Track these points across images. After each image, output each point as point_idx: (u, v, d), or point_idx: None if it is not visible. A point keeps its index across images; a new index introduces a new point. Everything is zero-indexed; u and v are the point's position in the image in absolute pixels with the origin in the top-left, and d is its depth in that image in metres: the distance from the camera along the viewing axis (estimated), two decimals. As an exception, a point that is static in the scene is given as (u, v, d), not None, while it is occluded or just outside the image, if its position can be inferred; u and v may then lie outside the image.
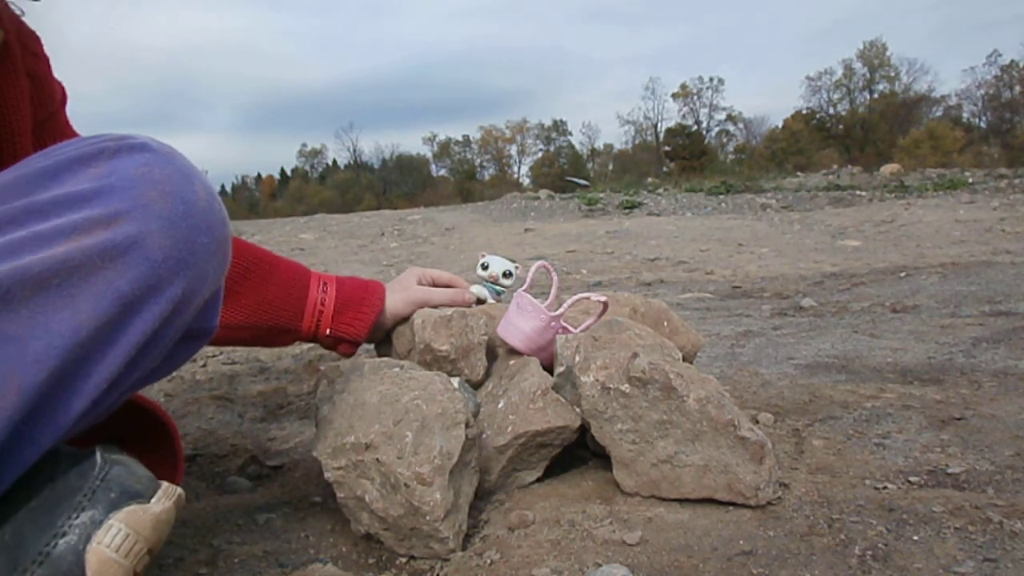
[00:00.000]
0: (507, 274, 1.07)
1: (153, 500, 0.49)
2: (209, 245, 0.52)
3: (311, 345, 1.80)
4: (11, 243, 0.46)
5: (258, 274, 0.91)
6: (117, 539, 0.47)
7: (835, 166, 12.84)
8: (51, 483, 0.48)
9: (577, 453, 0.89)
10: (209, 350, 1.85)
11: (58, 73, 0.79)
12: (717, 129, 43.54)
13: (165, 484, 0.50)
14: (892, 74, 38.92)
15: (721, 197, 8.78)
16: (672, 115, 44.31)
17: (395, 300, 0.99)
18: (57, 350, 0.46)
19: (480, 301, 1.05)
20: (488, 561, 0.67)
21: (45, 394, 0.46)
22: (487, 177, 44.67)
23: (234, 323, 0.89)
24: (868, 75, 39.37)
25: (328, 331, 0.95)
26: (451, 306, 0.98)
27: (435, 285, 1.03)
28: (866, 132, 37.37)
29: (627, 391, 0.77)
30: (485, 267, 1.07)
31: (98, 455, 0.49)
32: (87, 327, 0.47)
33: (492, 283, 1.07)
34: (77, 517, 0.47)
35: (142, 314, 0.50)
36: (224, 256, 0.55)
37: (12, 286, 0.45)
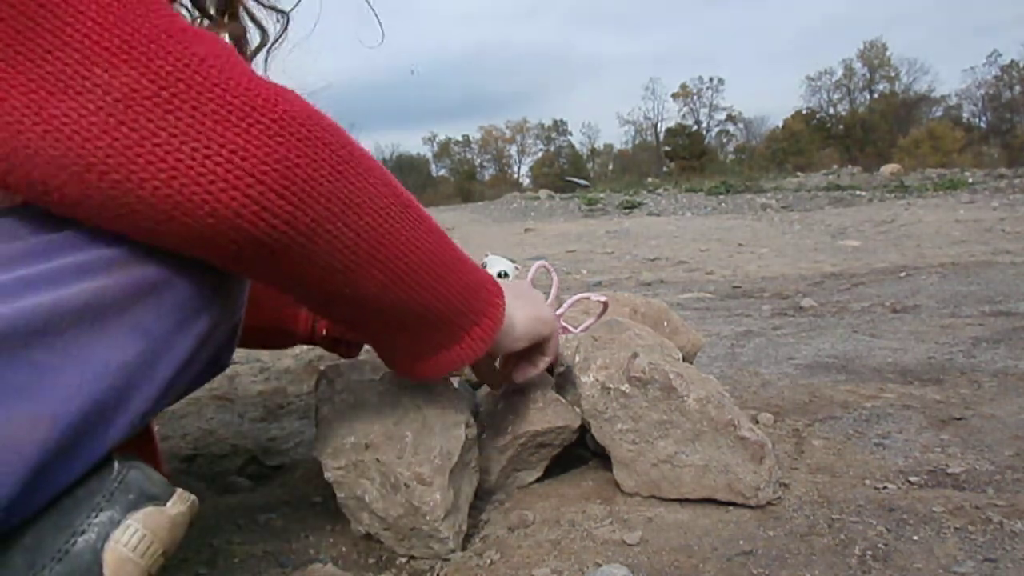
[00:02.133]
0: (502, 274, 1.07)
1: (169, 503, 0.50)
2: (232, 283, 0.54)
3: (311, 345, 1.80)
4: (50, 272, 0.46)
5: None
6: (134, 539, 0.48)
7: (835, 166, 12.84)
8: (70, 489, 0.48)
9: (577, 453, 0.89)
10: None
11: None
12: (717, 129, 43.57)
13: (180, 490, 0.51)
14: (892, 74, 38.95)
15: (721, 197, 8.78)
16: (672, 115, 44.32)
17: None
18: (91, 384, 0.46)
19: None
20: (488, 561, 0.67)
21: (79, 426, 0.46)
22: (487, 177, 44.69)
23: None
24: (868, 75, 39.39)
25: (324, 331, 0.95)
26: None
27: None
28: (866, 132, 37.38)
29: (627, 391, 0.77)
30: (484, 267, 1.07)
31: (115, 460, 0.49)
32: (120, 361, 0.47)
33: None
34: (96, 516, 0.47)
35: (173, 349, 0.50)
36: (243, 289, 0.57)
37: (52, 317, 0.45)
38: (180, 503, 0.50)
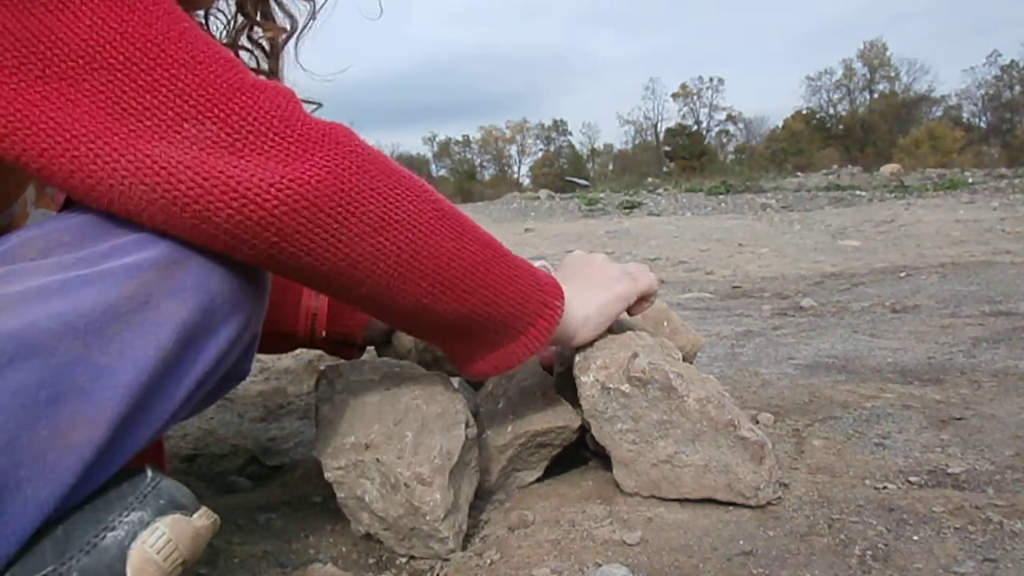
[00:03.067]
0: None
1: (195, 515, 0.52)
2: (258, 291, 0.59)
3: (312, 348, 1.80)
4: (101, 273, 0.50)
5: None
6: (160, 542, 0.49)
7: (835, 166, 12.84)
8: (104, 490, 0.51)
9: (577, 453, 0.89)
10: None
11: None
12: (717, 129, 43.58)
13: (205, 507, 0.53)
14: (892, 74, 38.95)
15: (721, 197, 8.78)
16: (672, 115, 44.33)
17: None
18: (138, 382, 0.50)
19: None
20: (488, 561, 0.67)
21: (123, 425, 0.50)
22: (487, 177, 44.69)
23: None
24: (868, 75, 39.39)
25: (324, 333, 0.95)
26: None
27: None
28: (866, 132, 37.38)
29: (627, 391, 0.77)
30: None
31: (148, 470, 0.52)
32: (159, 361, 0.51)
33: None
34: (127, 516, 0.50)
35: (202, 352, 0.54)
36: (265, 300, 0.61)
37: (101, 317, 0.49)
38: (205, 518, 0.52)
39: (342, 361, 0.87)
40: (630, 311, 0.80)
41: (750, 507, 0.74)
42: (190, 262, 0.53)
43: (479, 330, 0.66)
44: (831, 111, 40.28)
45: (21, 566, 0.48)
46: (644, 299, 0.80)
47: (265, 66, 0.84)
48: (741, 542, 0.67)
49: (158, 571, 0.49)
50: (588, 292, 0.75)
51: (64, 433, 0.47)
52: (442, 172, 46.84)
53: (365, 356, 1.15)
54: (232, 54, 0.56)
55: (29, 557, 0.48)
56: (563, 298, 0.71)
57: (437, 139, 47.45)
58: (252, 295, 0.57)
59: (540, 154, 45.98)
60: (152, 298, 0.51)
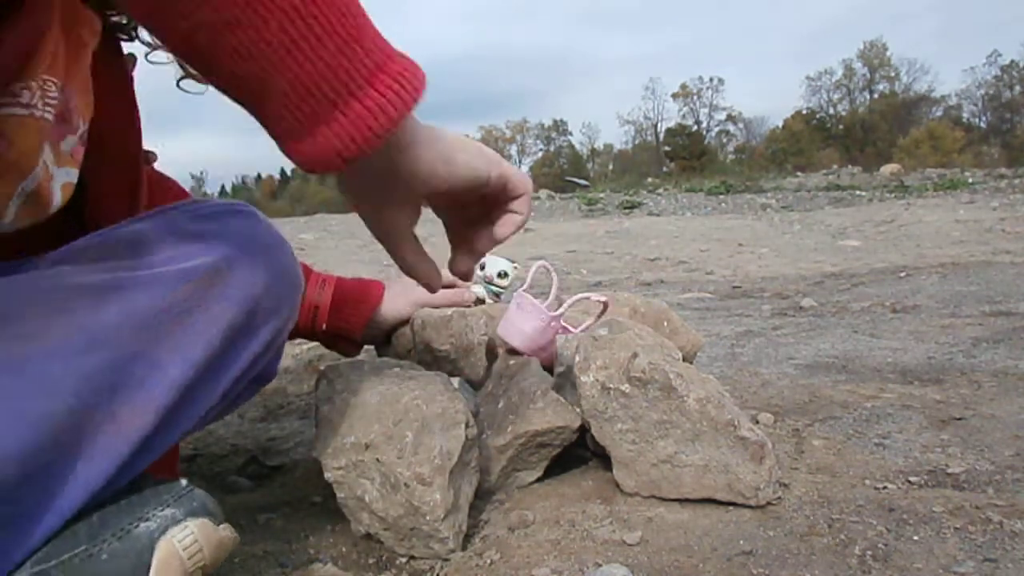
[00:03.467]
0: (502, 274, 1.07)
1: (221, 526, 0.54)
2: (294, 296, 0.61)
3: (311, 345, 1.80)
4: (163, 276, 0.54)
5: None
6: (187, 540, 0.52)
7: (835, 166, 12.84)
8: (140, 488, 0.54)
9: (577, 453, 0.89)
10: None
11: None
12: (717, 129, 43.59)
13: (228, 524, 0.56)
14: (892, 74, 38.96)
15: (721, 197, 8.78)
16: (672, 115, 44.36)
17: (396, 300, 0.99)
18: (185, 377, 0.53)
19: (480, 301, 1.05)
20: (488, 561, 0.67)
21: (169, 415, 0.53)
22: (487, 177, 44.55)
23: None
24: (868, 75, 39.40)
25: (324, 326, 0.96)
26: (452, 306, 0.98)
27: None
28: (866, 132, 37.38)
29: (627, 391, 0.77)
30: (483, 267, 1.07)
31: (183, 480, 0.55)
32: (206, 359, 0.54)
33: (489, 283, 1.07)
34: (161, 511, 0.52)
35: (244, 351, 0.57)
36: (299, 303, 0.63)
37: (159, 317, 0.52)
38: (230, 531, 0.55)
39: (342, 361, 0.87)
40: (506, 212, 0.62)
41: (750, 507, 0.74)
42: (237, 269, 0.56)
43: (290, 94, 0.45)
44: (831, 111, 40.30)
45: (55, 545, 0.50)
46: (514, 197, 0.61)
47: None
48: (741, 542, 0.67)
49: (180, 567, 0.51)
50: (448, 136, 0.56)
51: (118, 419, 0.51)
52: (442, 172, 46.71)
53: (364, 356, 1.15)
54: None
55: (64, 537, 0.51)
56: (415, 71, 0.49)
57: (437, 139, 47.28)
58: (289, 299, 0.60)
59: (540, 154, 46.01)
60: (203, 301, 0.54)
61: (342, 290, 0.98)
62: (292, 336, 0.98)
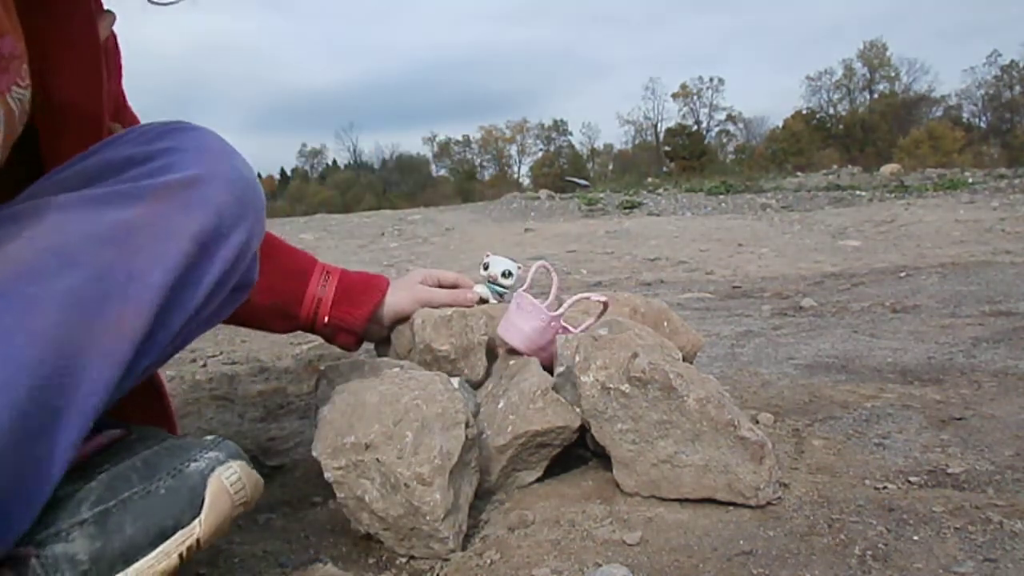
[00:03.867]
0: (507, 274, 1.07)
1: (253, 469, 0.60)
2: (256, 201, 0.63)
3: (311, 345, 1.80)
4: (128, 191, 0.57)
5: (264, 255, 0.92)
6: (233, 478, 0.58)
7: (835, 166, 12.82)
8: (173, 439, 0.60)
9: (577, 453, 0.89)
10: (209, 350, 1.85)
11: None
12: (717, 129, 43.57)
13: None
14: (892, 74, 38.96)
15: (721, 197, 8.77)
16: (672, 115, 44.32)
17: (398, 297, 0.99)
18: (167, 281, 0.56)
19: (482, 301, 1.05)
20: (488, 561, 0.67)
21: (160, 316, 0.57)
22: (487, 177, 44.69)
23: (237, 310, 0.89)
24: (868, 75, 39.40)
25: (326, 319, 0.96)
26: (453, 306, 0.98)
27: (440, 285, 1.04)
28: (866, 132, 37.38)
29: (627, 391, 0.77)
30: (486, 267, 1.07)
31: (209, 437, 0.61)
32: (182, 263, 0.57)
33: (492, 283, 1.07)
34: (207, 453, 0.58)
35: (214, 259, 0.60)
36: (263, 212, 0.66)
37: (127, 230, 0.55)
38: (258, 475, 0.61)
39: (342, 361, 0.87)
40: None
41: (750, 507, 0.74)
42: (198, 180, 0.59)
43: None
44: (831, 111, 40.30)
45: (110, 488, 0.55)
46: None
47: None
48: (741, 542, 0.67)
49: (229, 502, 0.57)
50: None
51: (115, 324, 0.54)
52: (442, 172, 46.88)
53: (364, 356, 1.15)
54: None
55: (118, 480, 0.55)
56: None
57: (437, 139, 47.47)
58: (252, 203, 0.63)
59: (540, 154, 45.99)
60: (170, 212, 0.57)
61: (346, 283, 0.98)
62: (294, 328, 0.98)
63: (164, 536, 0.55)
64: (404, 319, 0.99)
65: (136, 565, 0.53)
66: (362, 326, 0.98)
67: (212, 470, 0.57)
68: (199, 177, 0.59)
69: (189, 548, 0.55)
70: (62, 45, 0.65)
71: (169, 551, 0.55)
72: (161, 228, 0.57)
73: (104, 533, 0.53)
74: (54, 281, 0.52)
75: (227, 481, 0.57)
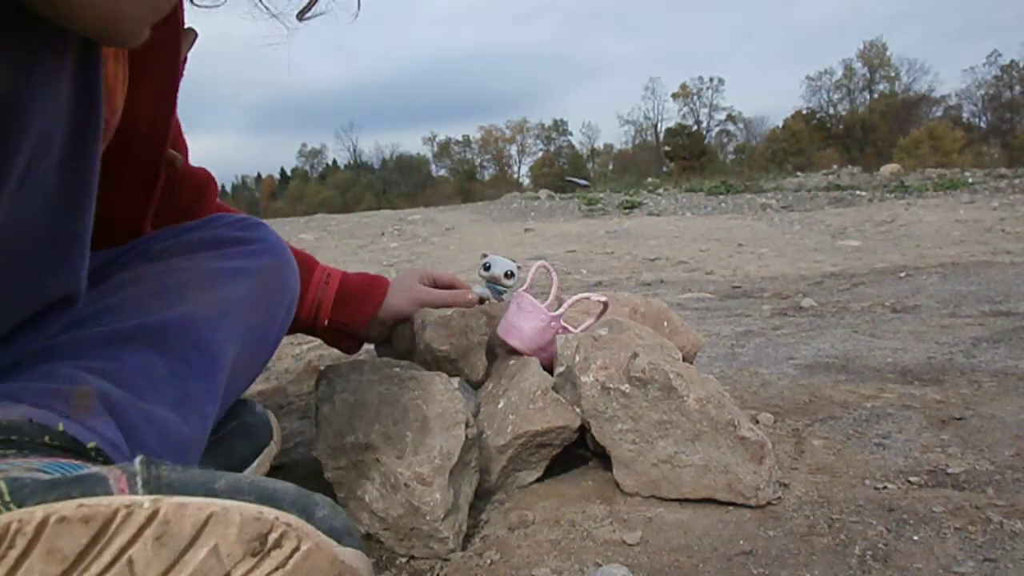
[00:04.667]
0: (509, 274, 1.07)
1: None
2: (299, 289, 0.81)
3: (311, 345, 1.80)
4: (245, 268, 0.70)
5: None
6: (275, 422, 0.87)
7: (835, 166, 12.82)
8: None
9: (577, 453, 0.89)
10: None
11: None
12: (717, 129, 43.58)
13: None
14: (892, 74, 38.97)
15: (721, 197, 8.77)
16: (672, 115, 44.34)
17: (398, 298, 0.99)
18: (276, 345, 0.77)
19: (482, 301, 1.05)
20: (488, 561, 0.67)
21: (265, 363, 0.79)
22: (487, 177, 44.69)
23: None
24: (868, 75, 39.41)
25: (327, 322, 0.96)
26: (453, 307, 0.98)
27: (436, 285, 1.03)
28: (866, 132, 37.39)
29: (627, 391, 0.77)
30: (487, 267, 1.07)
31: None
32: (283, 331, 0.78)
33: (494, 283, 1.07)
34: (256, 406, 0.87)
35: (285, 319, 0.77)
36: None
37: (252, 296, 0.69)
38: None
39: (342, 361, 0.87)
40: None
41: (750, 507, 0.74)
42: (285, 269, 0.76)
43: None
44: (831, 111, 40.30)
45: (221, 424, 0.78)
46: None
47: None
48: (741, 542, 0.67)
49: (279, 434, 0.86)
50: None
51: (258, 366, 0.77)
52: (442, 172, 46.88)
53: (364, 356, 1.15)
54: None
55: (221, 423, 0.79)
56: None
57: (437, 139, 47.45)
58: (297, 282, 0.80)
59: (540, 154, 45.99)
60: (271, 290, 0.73)
61: (346, 285, 0.98)
62: (293, 331, 0.98)
63: (260, 449, 0.82)
64: (405, 319, 0.99)
65: (251, 467, 0.80)
66: (362, 329, 0.98)
67: (265, 413, 0.85)
68: (285, 265, 0.77)
69: (271, 456, 0.83)
70: (144, 73, 0.64)
71: (263, 460, 0.82)
72: (274, 301, 0.74)
73: (224, 452, 0.77)
74: (242, 322, 0.67)
75: (275, 423, 0.85)
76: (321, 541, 0.37)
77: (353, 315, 0.97)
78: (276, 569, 0.36)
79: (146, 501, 0.34)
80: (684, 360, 0.87)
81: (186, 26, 0.68)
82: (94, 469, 0.37)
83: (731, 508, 0.74)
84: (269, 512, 0.36)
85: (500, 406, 0.85)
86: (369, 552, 0.72)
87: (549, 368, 0.92)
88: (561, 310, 0.93)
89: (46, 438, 0.44)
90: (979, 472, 0.80)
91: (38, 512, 0.33)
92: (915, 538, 0.66)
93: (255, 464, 0.81)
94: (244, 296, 0.68)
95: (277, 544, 0.35)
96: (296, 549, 0.36)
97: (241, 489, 0.37)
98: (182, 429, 0.57)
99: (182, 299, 0.63)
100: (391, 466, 0.68)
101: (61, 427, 0.45)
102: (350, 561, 0.39)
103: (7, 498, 0.34)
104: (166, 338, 0.59)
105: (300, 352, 1.73)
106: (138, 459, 0.38)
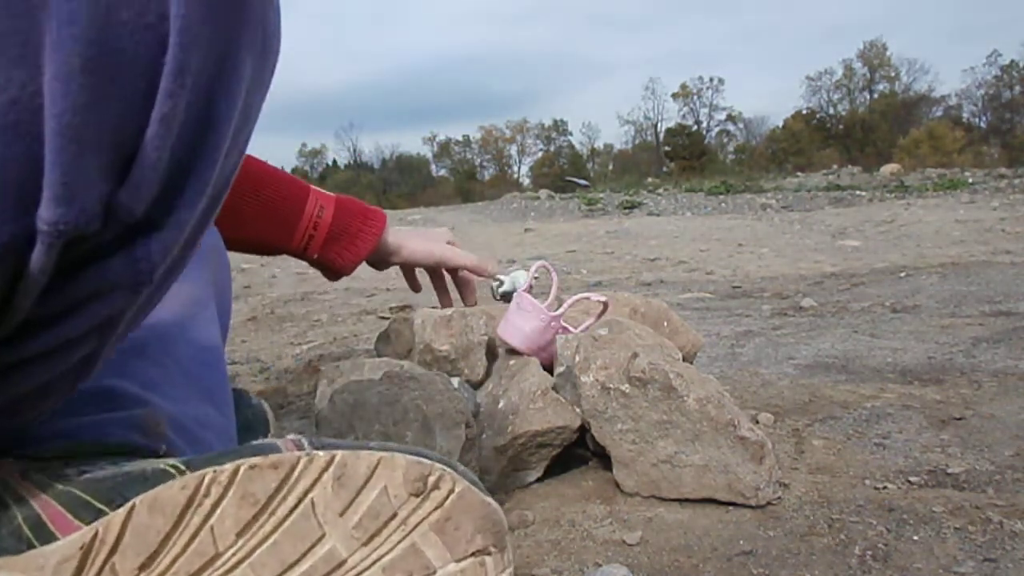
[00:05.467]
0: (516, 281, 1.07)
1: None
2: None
3: (311, 345, 1.80)
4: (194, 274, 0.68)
5: (256, 177, 0.92)
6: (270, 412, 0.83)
7: (835, 166, 12.82)
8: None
9: (577, 453, 0.89)
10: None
11: None
12: (717, 129, 43.59)
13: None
14: (892, 74, 38.98)
15: (721, 197, 8.77)
16: (672, 115, 44.33)
17: (415, 245, 1.00)
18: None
19: (504, 296, 1.05)
20: (488, 561, 0.67)
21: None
22: (487, 177, 44.68)
23: (227, 236, 0.87)
24: (868, 75, 39.42)
25: (316, 256, 0.95)
26: (473, 270, 1.00)
27: (453, 267, 1.04)
28: (866, 132, 37.38)
29: (627, 391, 0.77)
30: (500, 284, 1.07)
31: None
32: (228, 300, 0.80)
33: (499, 285, 1.07)
34: (253, 399, 0.82)
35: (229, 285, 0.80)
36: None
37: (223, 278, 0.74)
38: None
39: (342, 361, 0.87)
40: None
41: (750, 507, 0.74)
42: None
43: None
44: (831, 111, 40.29)
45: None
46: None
47: None
48: (741, 542, 0.67)
49: (275, 424, 0.80)
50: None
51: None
52: (442, 172, 46.89)
53: (365, 356, 1.15)
54: None
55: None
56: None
57: (437, 139, 47.47)
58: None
59: (540, 154, 45.99)
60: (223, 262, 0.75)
61: (340, 218, 0.96)
62: (281, 253, 0.97)
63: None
64: (412, 268, 1.01)
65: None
66: (349, 270, 0.98)
67: (261, 405, 0.83)
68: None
69: None
70: None
71: None
72: (224, 276, 0.76)
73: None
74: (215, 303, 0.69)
75: (271, 413, 0.84)
76: (471, 485, 0.41)
77: (342, 254, 0.96)
78: (436, 508, 0.40)
79: (322, 452, 0.39)
80: (684, 360, 0.87)
81: None
82: (264, 440, 0.42)
83: (731, 508, 0.74)
84: (428, 458, 0.41)
85: (500, 406, 0.85)
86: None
87: (549, 368, 0.92)
88: (561, 310, 0.93)
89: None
90: (979, 472, 0.80)
91: (229, 464, 0.37)
92: (915, 538, 0.66)
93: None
94: (209, 278, 0.68)
95: (436, 486, 0.40)
96: (452, 491, 0.40)
97: (391, 448, 0.41)
98: (222, 421, 0.59)
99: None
100: (391, 466, 0.68)
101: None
102: (494, 505, 0.43)
103: (182, 468, 0.38)
104: (168, 339, 0.60)
105: (300, 352, 1.74)
106: (292, 434, 0.43)
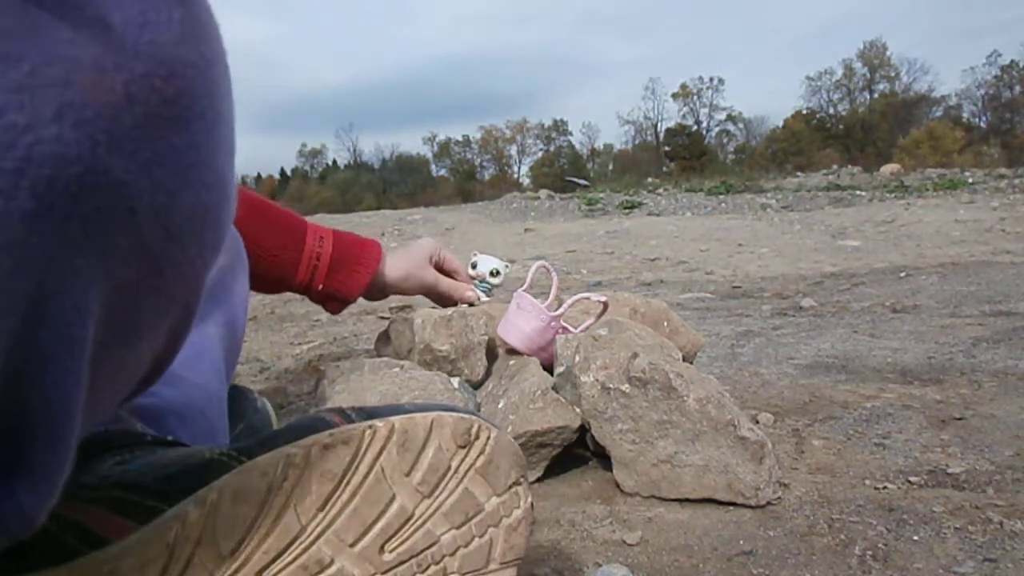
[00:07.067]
0: (494, 272, 1.07)
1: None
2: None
3: (311, 345, 1.80)
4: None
5: (256, 220, 0.91)
6: (271, 408, 0.86)
7: (835, 166, 12.81)
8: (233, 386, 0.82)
9: (577, 453, 0.89)
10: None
11: None
12: (717, 129, 43.61)
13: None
14: (892, 74, 38.98)
15: (721, 197, 8.77)
16: (672, 115, 44.38)
17: (398, 272, 1.01)
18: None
19: (471, 304, 1.06)
20: (488, 561, 0.67)
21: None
22: (487, 177, 44.69)
23: None
24: (868, 75, 39.42)
25: (321, 287, 0.96)
26: (448, 301, 1.01)
27: (441, 268, 1.05)
28: (866, 132, 37.38)
29: (627, 391, 0.77)
30: (474, 266, 1.07)
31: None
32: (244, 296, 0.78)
33: (480, 282, 1.07)
34: (257, 398, 0.85)
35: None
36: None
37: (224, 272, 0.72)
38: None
39: (342, 361, 0.87)
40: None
41: (750, 507, 0.74)
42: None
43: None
44: (831, 111, 40.31)
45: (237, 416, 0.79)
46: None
47: None
48: (741, 542, 0.67)
49: (276, 421, 0.84)
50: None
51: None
52: (442, 172, 46.89)
53: (365, 356, 1.15)
54: None
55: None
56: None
57: (437, 139, 47.49)
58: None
59: (540, 154, 46.00)
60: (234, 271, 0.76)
61: (340, 248, 0.97)
62: (285, 290, 0.98)
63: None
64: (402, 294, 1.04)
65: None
66: (354, 298, 0.99)
67: (263, 400, 0.87)
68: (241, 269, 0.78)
69: None
70: None
71: None
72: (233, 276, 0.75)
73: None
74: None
75: (271, 409, 0.87)
76: (499, 430, 0.47)
77: (346, 282, 0.97)
78: (480, 455, 0.45)
79: (379, 422, 0.42)
80: (684, 360, 0.87)
81: None
82: (309, 416, 0.45)
83: (731, 508, 0.74)
84: (462, 412, 0.46)
85: (500, 406, 0.85)
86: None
87: (549, 368, 0.92)
88: (561, 310, 0.93)
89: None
90: (979, 472, 0.80)
91: (299, 448, 0.40)
92: (915, 538, 0.66)
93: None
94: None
95: (477, 436, 0.45)
96: (490, 438, 0.46)
97: (424, 408, 0.46)
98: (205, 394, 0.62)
99: None
100: (391, 466, 0.68)
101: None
102: (516, 443, 0.49)
103: (236, 455, 0.41)
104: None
105: (300, 352, 1.74)
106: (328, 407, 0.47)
